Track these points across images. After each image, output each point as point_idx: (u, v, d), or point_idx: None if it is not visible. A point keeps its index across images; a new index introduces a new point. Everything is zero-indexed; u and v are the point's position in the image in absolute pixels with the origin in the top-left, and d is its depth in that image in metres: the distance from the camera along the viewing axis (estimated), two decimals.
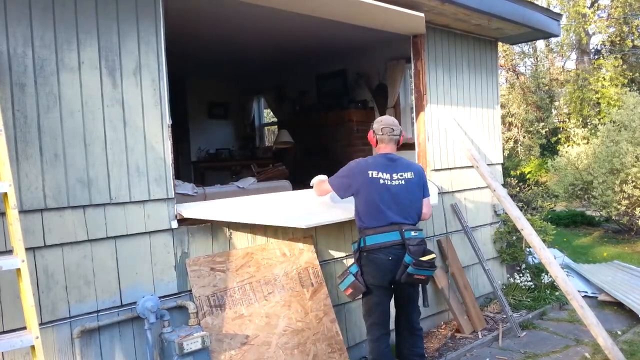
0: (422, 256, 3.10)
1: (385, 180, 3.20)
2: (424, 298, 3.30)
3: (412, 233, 3.14)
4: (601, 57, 15.87)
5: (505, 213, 5.09)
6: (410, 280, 3.11)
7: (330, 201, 3.66)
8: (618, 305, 5.07)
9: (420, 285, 3.27)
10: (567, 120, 16.33)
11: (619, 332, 4.46)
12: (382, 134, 3.34)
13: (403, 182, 3.23)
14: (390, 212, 3.16)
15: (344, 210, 3.57)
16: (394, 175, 3.23)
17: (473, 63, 5.27)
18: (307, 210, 3.58)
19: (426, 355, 4.10)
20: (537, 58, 19.87)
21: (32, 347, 2.07)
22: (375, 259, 3.12)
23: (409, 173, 3.27)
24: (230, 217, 3.20)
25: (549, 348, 4.20)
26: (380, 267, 3.12)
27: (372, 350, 3.23)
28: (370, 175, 3.20)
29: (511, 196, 5.62)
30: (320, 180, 3.55)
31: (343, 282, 3.18)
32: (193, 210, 3.11)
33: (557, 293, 5.29)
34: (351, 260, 3.98)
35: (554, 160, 10.66)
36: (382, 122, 3.39)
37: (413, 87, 4.78)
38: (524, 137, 16.58)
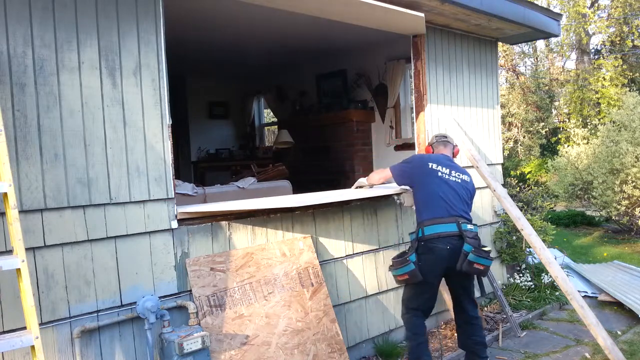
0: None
1: (444, 174, 3.40)
2: (481, 286, 3.60)
3: (469, 226, 3.30)
4: (601, 57, 15.89)
5: (505, 213, 5.09)
6: (470, 269, 3.22)
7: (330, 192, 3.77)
8: (618, 305, 5.07)
9: (475, 276, 3.42)
10: (567, 120, 16.35)
11: (619, 332, 4.46)
12: (437, 141, 3.74)
13: (460, 181, 3.43)
14: (448, 204, 3.32)
15: (339, 196, 3.74)
16: (453, 172, 3.44)
17: (473, 63, 5.27)
18: (302, 199, 3.61)
19: None
20: (537, 58, 19.89)
21: (32, 347, 2.07)
22: (434, 247, 3.24)
23: (465, 176, 3.50)
24: (228, 207, 3.24)
25: (549, 348, 4.20)
26: (438, 256, 3.24)
27: (410, 325, 3.41)
28: (429, 167, 3.42)
29: (511, 196, 5.62)
30: (375, 172, 3.90)
31: (401, 268, 3.25)
32: (192, 209, 3.12)
33: (557, 293, 5.29)
34: (352, 261, 4.00)
35: (554, 160, 10.67)
36: (436, 135, 3.83)
37: (413, 87, 4.78)
38: (524, 137, 16.59)
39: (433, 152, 3.70)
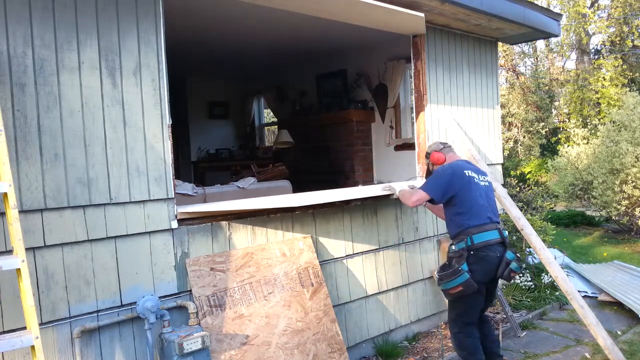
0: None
1: (476, 179, 3.36)
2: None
3: (505, 232, 3.31)
4: (601, 57, 15.90)
5: (505, 213, 5.09)
6: (509, 276, 3.21)
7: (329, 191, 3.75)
8: (618, 305, 5.07)
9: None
10: (567, 120, 16.36)
11: (619, 332, 4.46)
12: (444, 147, 3.62)
13: (488, 184, 3.44)
14: (487, 211, 3.30)
15: (339, 195, 3.74)
16: (480, 177, 3.42)
17: (473, 63, 5.27)
18: (303, 199, 3.60)
19: (426, 355, 4.11)
20: (537, 58, 19.90)
21: (32, 347, 2.07)
22: (485, 256, 3.18)
23: (488, 177, 3.51)
24: (228, 207, 3.23)
25: (549, 348, 4.20)
26: (489, 265, 3.18)
27: (466, 346, 3.32)
28: (467, 174, 3.35)
29: (511, 196, 5.62)
30: (406, 189, 3.67)
31: (454, 280, 3.15)
32: (192, 208, 3.12)
33: (557, 293, 5.29)
34: (352, 261, 4.00)
35: (554, 160, 10.68)
36: (437, 142, 3.69)
37: (413, 87, 4.78)
38: (524, 137, 16.60)
39: (446, 159, 3.56)
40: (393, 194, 3.87)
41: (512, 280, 3.37)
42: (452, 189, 3.30)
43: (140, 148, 2.89)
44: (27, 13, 2.52)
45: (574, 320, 4.77)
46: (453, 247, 3.29)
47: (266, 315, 3.27)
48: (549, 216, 7.95)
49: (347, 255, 3.99)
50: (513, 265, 3.19)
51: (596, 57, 16.70)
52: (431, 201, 3.39)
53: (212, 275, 3.15)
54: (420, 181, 4.60)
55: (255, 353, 3.12)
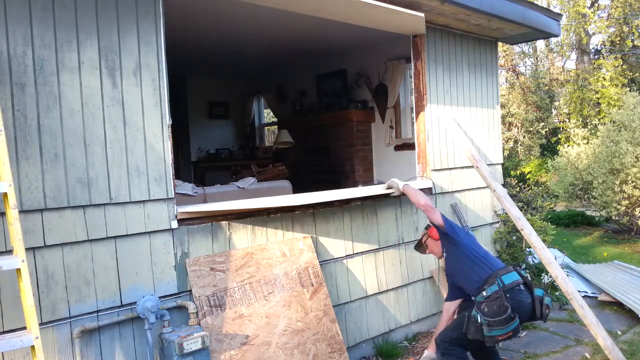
0: None
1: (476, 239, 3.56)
2: None
3: (523, 271, 3.33)
4: (601, 57, 15.90)
5: (505, 213, 5.09)
6: (545, 314, 3.10)
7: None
8: (618, 305, 5.07)
9: None
10: (567, 120, 16.37)
11: (619, 332, 4.46)
12: None
13: None
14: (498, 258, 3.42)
15: (339, 194, 3.76)
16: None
17: (473, 63, 5.27)
18: (303, 198, 3.61)
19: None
20: (537, 58, 19.91)
21: (32, 347, 2.07)
22: (521, 302, 3.08)
23: None
24: (228, 207, 3.23)
25: (549, 348, 4.19)
26: (523, 312, 3.06)
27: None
28: (470, 231, 3.61)
29: (511, 196, 5.62)
30: (414, 188, 3.79)
31: (508, 326, 2.95)
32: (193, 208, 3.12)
33: (557, 293, 5.29)
34: (352, 261, 3.99)
35: (554, 160, 10.68)
36: None
37: (413, 87, 4.78)
38: (524, 137, 16.61)
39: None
40: (394, 192, 3.88)
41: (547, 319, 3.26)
42: (458, 232, 3.43)
43: (140, 148, 2.89)
44: (27, 13, 2.52)
45: (574, 320, 4.77)
46: (484, 293, 3.12)
47: (266, 315, 3.27)
48: (549, 216, 7.95)
49: (347, 255, 3.99)
50: (547, 299, 3.10)
51: (596, 57, 16.71)
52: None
53: (212, 275, 3.15)
54: (420, 181, 4.61)
55: (255, 353, 3.12)
